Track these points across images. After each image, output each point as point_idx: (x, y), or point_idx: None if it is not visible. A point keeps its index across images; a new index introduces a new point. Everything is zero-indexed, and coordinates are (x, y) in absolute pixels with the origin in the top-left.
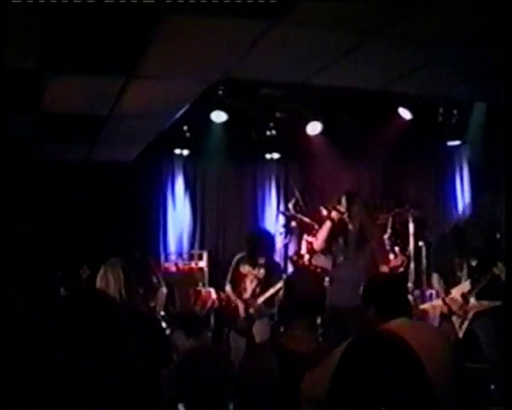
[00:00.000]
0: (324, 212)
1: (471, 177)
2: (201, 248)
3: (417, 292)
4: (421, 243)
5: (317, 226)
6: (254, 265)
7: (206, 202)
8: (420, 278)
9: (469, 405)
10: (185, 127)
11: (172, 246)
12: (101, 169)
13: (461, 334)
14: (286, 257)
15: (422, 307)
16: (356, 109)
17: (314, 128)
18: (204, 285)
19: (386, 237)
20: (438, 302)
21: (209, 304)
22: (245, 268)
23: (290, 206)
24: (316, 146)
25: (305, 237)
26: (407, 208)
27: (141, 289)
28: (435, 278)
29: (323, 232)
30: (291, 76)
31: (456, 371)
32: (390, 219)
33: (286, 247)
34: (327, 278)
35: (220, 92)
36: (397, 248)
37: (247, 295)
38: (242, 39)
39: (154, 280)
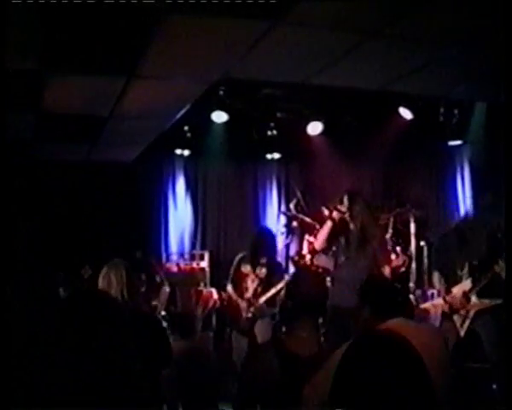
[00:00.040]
0: (326, 212)
1: (472, 177)
2: (203, 248)
3: (419, 292)
4: (422, 243)
5: (318, 226)
6: (256, 264)
7: (207, 203)
8: (421, 278)
9: (471, 405)
10: (186, 127)
11: (174, 246)
12: (102, 169)
13: (462, 333)
14: (287, 257)
15: (423, 306)
16: (356, 109)
17: (315, 128)
18: (205, 285)
19: (387, 236)
20: (439, 301)
21: (210, 304)
22: (246, 268)
23: (291, 206)
24: (316, 146)
25: (307, 237)
26: (408, 208)
27: (143, 288)
28: (436, 276)
29: (324, 232)
30: (291, 76)
31: (457, 371)
32: (391, 219)
33: (287, 247)
34: (328, 279)
35: (221, 92)
36: (398, 248)
37: (248, 294)
38: (242, 39)
39: (158, 279)
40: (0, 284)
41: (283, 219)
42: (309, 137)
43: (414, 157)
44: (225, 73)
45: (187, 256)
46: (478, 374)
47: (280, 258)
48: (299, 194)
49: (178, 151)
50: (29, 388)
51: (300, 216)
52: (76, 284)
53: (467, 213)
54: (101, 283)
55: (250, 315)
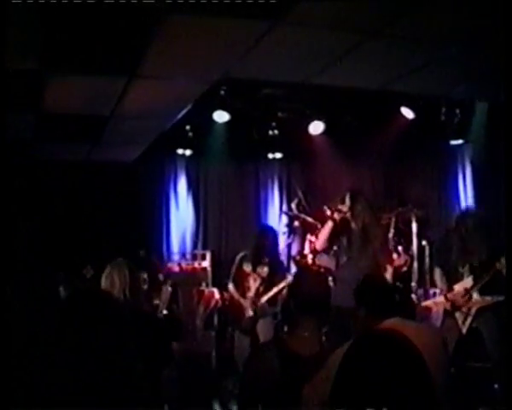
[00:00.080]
0: (328, 211)
1: (473, 176)
2: (204, 248)
3: (421, 291)
4: (424, 243)
5: (319, 226)
6: (258, 263)
7: (208, 202)
8: (423, 277)
9: (472, 405)
10: (188, 127)
11: (175, 246)
12: (103, 169)
13: (464, 330)
14: (289, 257)
15: (425, 303)
16: (357, 109)
17: (316, 128)
18: (207, 285)
19: (389, 236)
20: (440, 299)
21: (212, 304)
22: (248, 267)
23: (293, 205)
24: (318, 146)
25: (309, 236)
26: (410, 208)
27: (145, 285)
28: (438, 273)
29: (325, 232)
30: (291, 76)
31: (458, 371)
32: (393, 219)
33: (289, 247)
34: (330, 278)
35: (222, 92)
36: (400, 248)
37: (250, 293)
38: (242, 39)
39: (160, 278)
40: (0, 284)
41: (285, 219)
42: (310, 137)
43: (415, 156)
44: (225, 72)
45: (188, 256)
46: (480, 374)
47: (282, 257)
48: (300, 193)
49: (180, 151)
50: (29, 388)
51: (302, 216)
52: (77, 283)
53: (468, 212)
54: (103, 282)
55: (252, 314)
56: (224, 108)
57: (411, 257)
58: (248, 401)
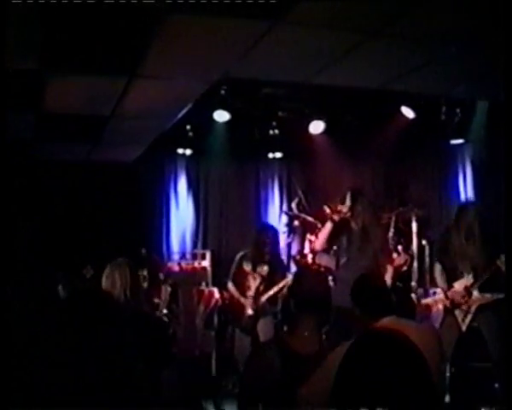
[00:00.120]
0: (328, 211)
1: (474, 175)
2: (204, 247)
3: (421, 290)
4: (424, 242)
5: (320, 225)
6: (258, 262)
7: (209, 202)
8: (423, 277)
9: (473, 404)
10: (188, 127)
11: (175, 245)
12: (103, 169)
13: (464, 327)
14: (289, 256)
15: (425, 301)
16: (358, 109)
17: (317, 127)
18: (207, 285)
19: (389, 235)
20: (440, 296)
21: (212, 303)
22: (248, 266)
23: (293, 205)
24: (318, 145)
25: (309, 236)
26: (410, 207)
27: (145, 283)
28: (437, 269)
29: (324, 232)
30: (292, 75)
31: (458, 371)
32: (393, 218)
33: (289, 246)
34: (330, 278)
35: (223, 92)
36: (400, 247)
37: (250, 292)
38: (242, 39)
39: (161, 277)
40: (0, 284)
41: (285, 219)
42: (311, 136)
43: (415, 156)
44: (225, 72)
45: (188, 256)
46: (480, 373)
47: (282, 256)
48: (300, 193)
49: (180, 150)
50: (29, 388)
51: (302, 215)
52: (77, 283)
53: (467, 206)
54: (104, 282)
55: (252, 313)
56: (224, 108)
57: (411, 257)
58: (249, 399)
